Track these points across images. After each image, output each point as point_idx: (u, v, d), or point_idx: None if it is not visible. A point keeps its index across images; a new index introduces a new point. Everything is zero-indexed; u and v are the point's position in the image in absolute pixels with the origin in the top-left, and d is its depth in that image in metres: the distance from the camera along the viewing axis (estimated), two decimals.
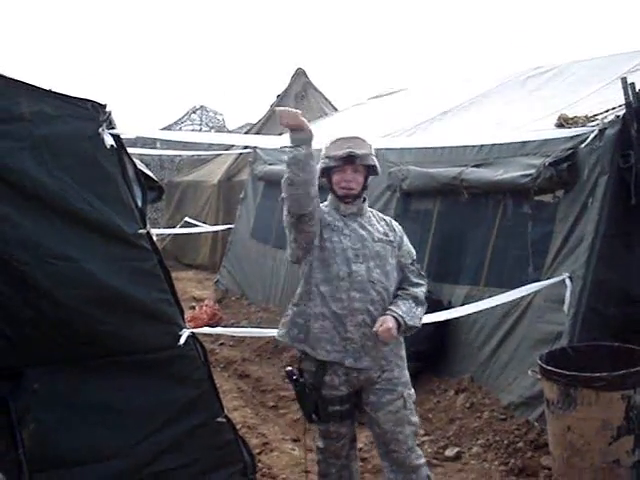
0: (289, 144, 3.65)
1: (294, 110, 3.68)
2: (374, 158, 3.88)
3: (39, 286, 3.56)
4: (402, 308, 3.78)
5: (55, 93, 3.65)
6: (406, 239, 4.04)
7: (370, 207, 4.09)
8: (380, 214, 4.12)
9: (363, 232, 3.85)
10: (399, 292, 3.89)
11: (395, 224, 4.08)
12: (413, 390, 3.92)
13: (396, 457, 3.82)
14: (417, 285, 3.94)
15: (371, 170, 3.91)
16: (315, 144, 3.76)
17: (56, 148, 3.60)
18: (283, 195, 3.71)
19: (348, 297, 3.73)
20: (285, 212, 3.76)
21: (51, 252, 3.58)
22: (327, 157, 3.83)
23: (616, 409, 4.16)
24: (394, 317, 3.71)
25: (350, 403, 3.83)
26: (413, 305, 3.85)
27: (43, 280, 3.56)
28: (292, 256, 3.88)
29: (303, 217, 3.69)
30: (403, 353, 3.91)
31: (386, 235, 3.92)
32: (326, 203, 3.97)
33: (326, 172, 3.87)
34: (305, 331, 3.79)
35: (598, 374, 4.18)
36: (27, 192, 3.53)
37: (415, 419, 3.89)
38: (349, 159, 3.77)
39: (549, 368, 4.38)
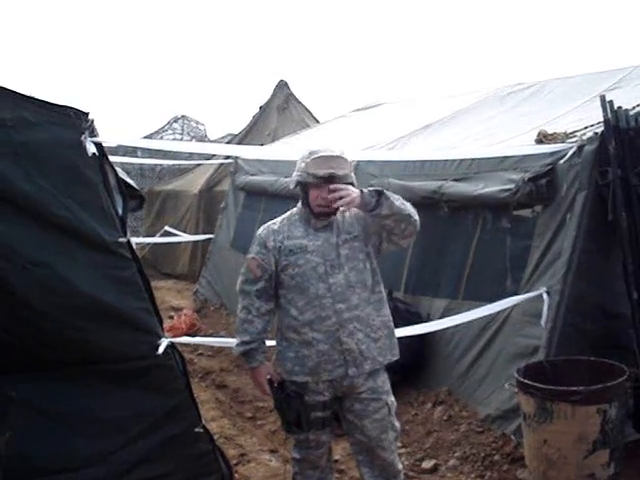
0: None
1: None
2: (352, 175, 3.82)
3: (16, 292, 3.54)
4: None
5: (37, 100, 3.64)
6: None
7: None
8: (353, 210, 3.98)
9: (334, 240, 3.81)
10: None
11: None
12: (393, 397, 3.96)
13: (380, 463, 3.87)
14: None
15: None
16: (293, 155, 3.81)
17: (37, 155, 3.58)
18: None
19: (335, 311, 3.72)
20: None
21: (29, 258, 3.56)
22: (306, 172, 3.75)
23: (592, 423, 4.20)
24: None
25: (332, 410, 3.86)
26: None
27: (20, 287, 3.54)
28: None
29: None
30: (384, 360, 3.88)
31: (349, 233, 3.83)
32: (290, 215, 3.94)
33: (301, 185, 3.82)
34: (300, 363, 3.78)
35: (574, 388, 4.21)
36: (6, 198, 3.51)
37: (397, 424, 3.96)
38: (329, 179, 3.70)
39: (526, 382, 4.41)
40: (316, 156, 3.75)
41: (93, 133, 3.74)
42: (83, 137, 3.68)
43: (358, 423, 3.83)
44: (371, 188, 3.73)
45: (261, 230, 3.96)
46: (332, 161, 3.73)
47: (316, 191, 3.75)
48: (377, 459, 3.87)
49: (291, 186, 3.90)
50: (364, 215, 3.79)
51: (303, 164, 3.78)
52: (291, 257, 3.79)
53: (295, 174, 3.83)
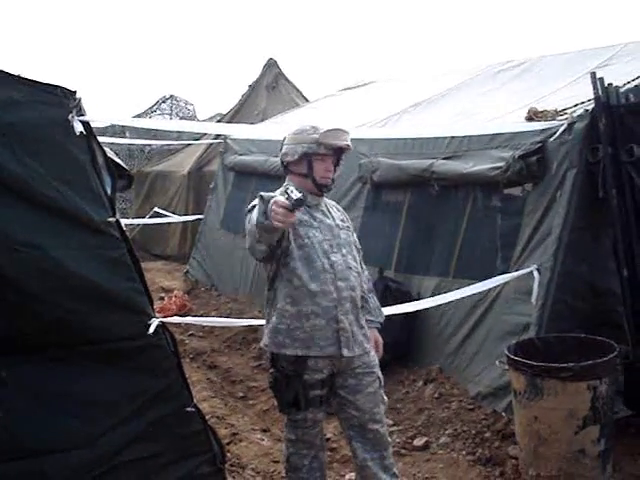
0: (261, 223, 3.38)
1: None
2: None
3: (5, 274, 3.50)
4: (372, 314, 4.09)
5: (23, 79, 3.58)
6: None
7: (334, 199, 4.26)
8: (329, 201, 4.14)
9: (329, 221, 3.93)
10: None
11: (341, 208, 4.25)
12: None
13: (373, 436, 3.91)
14: (363, 271, 4.13)
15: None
16: (283, 134, 3.89)
17: (24, 135, 3.53)
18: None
19: (336, 288, 3.79)
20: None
21: (18, 240, 3.51)
22: (316, 143, 3.80)
23: (582, 399, 4.22)
24: (376, 328, 4.10)
25: (328, 387, 3.86)
26: (372, 300, 4.12)
27: (9, 268, 3.50)
28: (259, 254, 3.70)
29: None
30: (367, 347, 3.97)
31: (343, 221, 4.05)
32: (287, 190, 3.88)
33: (306, 157, 3.84)
34: (290, 335, 3.77)
35: (565, 365, 4.23)
36: None
37: (386, 398, 4.05)
38: (340, 151, 3.88)
39: (516, 359, 4.43)
40: (330, 128, 3.86)
41: (81, 112, 3.69)
42: (70, 116, 3.64)
43: (351, 398, 3.86)
44: (378, 323, 4.16)
45: (269, 194, 3.46)
46: (345, 135, 3.89)
47: (322, 163, 3.86)
48: (369, 432, 3.90)
49: (294, 157, 3.84)
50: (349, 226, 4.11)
51: (315, 135, 3.82)
52: (300, 228, 3.78)
53: (298, 146, 3.83)
